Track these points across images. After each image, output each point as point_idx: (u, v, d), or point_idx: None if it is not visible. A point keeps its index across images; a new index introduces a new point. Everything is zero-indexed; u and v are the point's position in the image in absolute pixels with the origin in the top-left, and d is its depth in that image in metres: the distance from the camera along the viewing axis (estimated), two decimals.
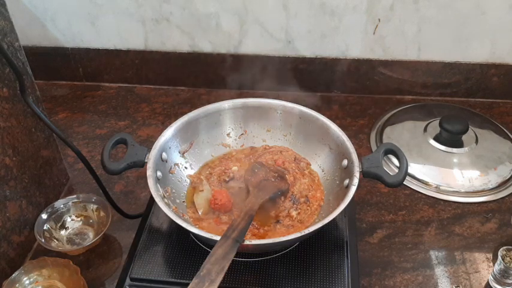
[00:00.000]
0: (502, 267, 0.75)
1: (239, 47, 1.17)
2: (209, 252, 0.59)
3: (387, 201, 0.93)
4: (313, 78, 1.20)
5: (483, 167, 0.99)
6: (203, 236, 0.65)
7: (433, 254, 0.83)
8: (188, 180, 0.82)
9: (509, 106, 1.18)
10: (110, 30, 1.18)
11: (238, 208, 0.77)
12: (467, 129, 1.01)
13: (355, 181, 0.72)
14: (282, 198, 0.78)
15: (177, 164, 0.83)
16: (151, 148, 0.77)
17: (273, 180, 0.79)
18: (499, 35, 1.11)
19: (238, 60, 1.19)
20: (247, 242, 0.63)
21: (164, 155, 0.79)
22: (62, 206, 0.86)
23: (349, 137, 0.80)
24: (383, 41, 1.13)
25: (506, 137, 1.07)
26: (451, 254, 0.83)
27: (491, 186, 0.96)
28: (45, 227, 0.83)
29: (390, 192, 0.95)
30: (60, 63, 1.24)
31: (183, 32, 1.16)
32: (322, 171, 0.84)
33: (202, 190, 0.78)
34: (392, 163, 1.00)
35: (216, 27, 1.15)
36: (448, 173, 0.99)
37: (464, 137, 1.03)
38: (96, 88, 1.26)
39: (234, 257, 0.59)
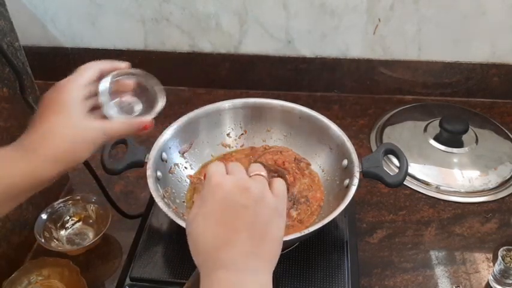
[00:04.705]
0: (502, 267, 0.75)
1: (239, 47, 1.17)
2: None
3: (387, 201, 0.93)
4: (313, 78, 1.20)
5: (483, 167, 0.99)
6: None
7: (433, 254, 0.83)
8: (188, 180, 0.82)
9: (509, 106, 1.18)
10: (109, 30, 1.18)
11: None
12: (467, 129, 1.01)
13: (355, 181, 0.72)
14: None
15: (177, 164, 0.83)
16: (151, 148, 0.77)
17: None
18: (499, 35, 1.10)
19: (238, 60, 1.19)
20: None
21: (164, 155, 0.79)
22: (61, 206, 0.86)
23: (349, 137, 0.80)
24: (383, 41, 1.13)
25: (507, 137, 1.07)
26: (451, 254, 0.83)
27: (491, 186, 0.95)
28: (45, 227, 0.83)
29: (390, 192, 0.95)
30: (60, 63, 1.24)
31: (183, 32, 1.16)
32: (322, 171, 0.84)
33: None
34: (393, 163, 1.00)
35: (216, 27, 1.15)
36: (448, 173, 0.99)
37: (464, 137, 1.03)
38: None
39: None
